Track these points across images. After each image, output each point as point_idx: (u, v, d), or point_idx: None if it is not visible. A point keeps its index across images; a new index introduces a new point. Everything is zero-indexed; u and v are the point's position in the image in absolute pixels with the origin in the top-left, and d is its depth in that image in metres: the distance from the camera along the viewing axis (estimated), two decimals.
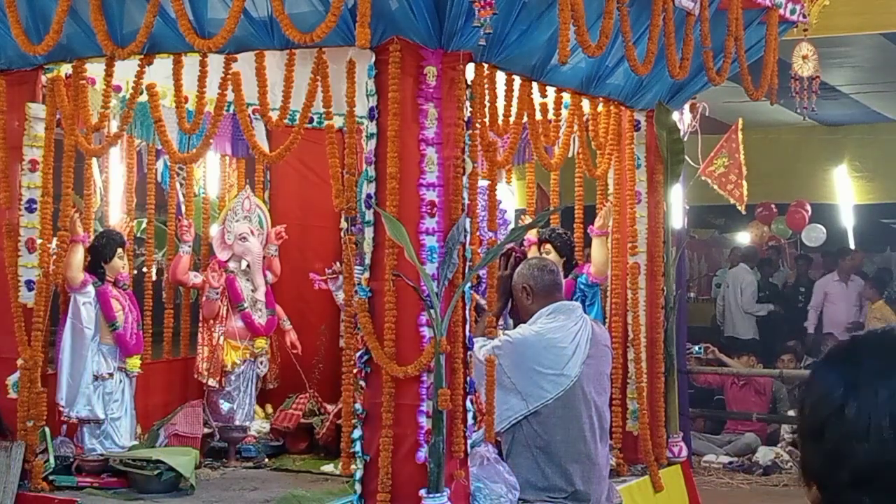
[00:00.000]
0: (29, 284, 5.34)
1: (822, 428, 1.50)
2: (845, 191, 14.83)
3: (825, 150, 14.57)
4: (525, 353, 4.72)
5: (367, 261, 4.49)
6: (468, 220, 4.51)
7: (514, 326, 5.17)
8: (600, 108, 6.00)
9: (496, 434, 4.70)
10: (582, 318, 4.90)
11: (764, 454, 10.10)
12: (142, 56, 4.94)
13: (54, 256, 5.44)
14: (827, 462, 1.50)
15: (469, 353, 4.55)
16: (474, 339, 4.64)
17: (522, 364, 4.71)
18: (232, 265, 6.54)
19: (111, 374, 5.90)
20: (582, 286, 6.24)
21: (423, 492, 4.28)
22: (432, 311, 4.28)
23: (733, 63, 5.68)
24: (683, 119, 6.84)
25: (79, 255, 5.73)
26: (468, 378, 4.53)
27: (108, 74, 5.15)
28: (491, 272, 4.99)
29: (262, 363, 6.59)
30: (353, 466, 4.54)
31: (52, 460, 5.41)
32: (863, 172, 14.70)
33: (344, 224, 6.44)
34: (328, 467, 6.01)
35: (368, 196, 4.46)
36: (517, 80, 5.03)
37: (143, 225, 7.34)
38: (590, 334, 4.82)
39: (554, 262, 5.26)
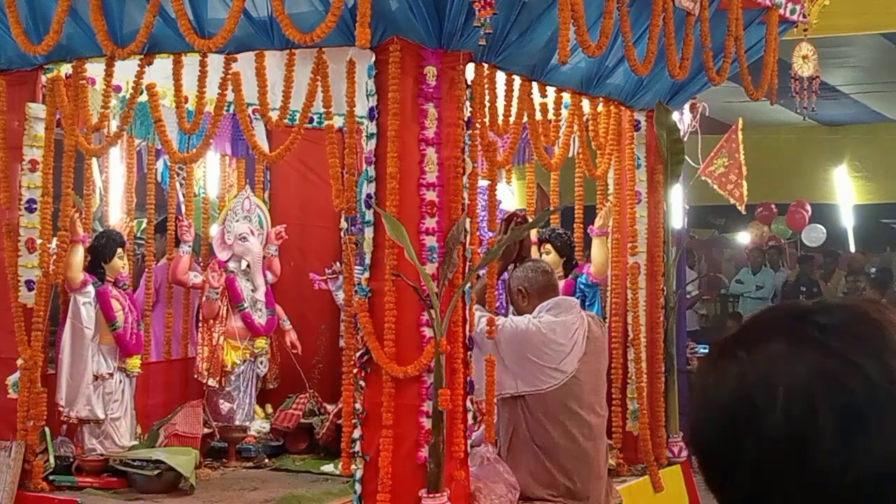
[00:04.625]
0: (29, 284, 5.34)
1: (726, 461, 1.24)
2: (845, 191, 14.85)
3: (825, 150, 14.59)
4: (524, 342, 4.74)
5: (367, 261, 4.49)
6: (468, 220, 4.52)
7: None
8: (600, 108, 6.00)
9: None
10: (580, 314, 4.93)
11: None
12: (142, 56, 4.94)
13: (54, 256, 5.44)
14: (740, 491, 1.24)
15: (469, 353, 4.56)
16: (473, 308, 4.65)
17: (520, 353, 4.73)
18: (232, 265, 6.54)
19: (111, 374, 5.90)
20: (582, 286, 6.25)
21: (423, 492, 4.28)
22: (432, 311, 4.28)
23: (733, 63, 5.68)
24: (683, 119, 6.84)
25: (79, 255, 5.73)
26: (468, 378, 4.54)
27: (108, 74, 5.15)
28: (491, 272, 4.99)
29: (262, 363, 6.59)
30: (353, 466, 4.54)
31: (52, 460, 5.41)
32: (863, 172, 14.71)
33: (344, 224, 6.44)
34: (328, 467, 6.01)
35: (368, 196, 4.46)
36: (517, 80, 5.03)
37: (143, 225, 7.34)
38: (587, 331, 4.84)
39: (548, 264, 5.26)
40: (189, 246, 6.51)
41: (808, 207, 14.73)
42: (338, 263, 6.61)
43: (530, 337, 4.74)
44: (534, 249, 6.21)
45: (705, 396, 1.29)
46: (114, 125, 5.86)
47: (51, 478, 5.37)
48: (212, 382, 6.35)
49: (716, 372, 1.29)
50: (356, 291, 4.61)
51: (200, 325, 6.51)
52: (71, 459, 5.60)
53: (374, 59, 4.48)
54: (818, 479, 1.19)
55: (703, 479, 1.31)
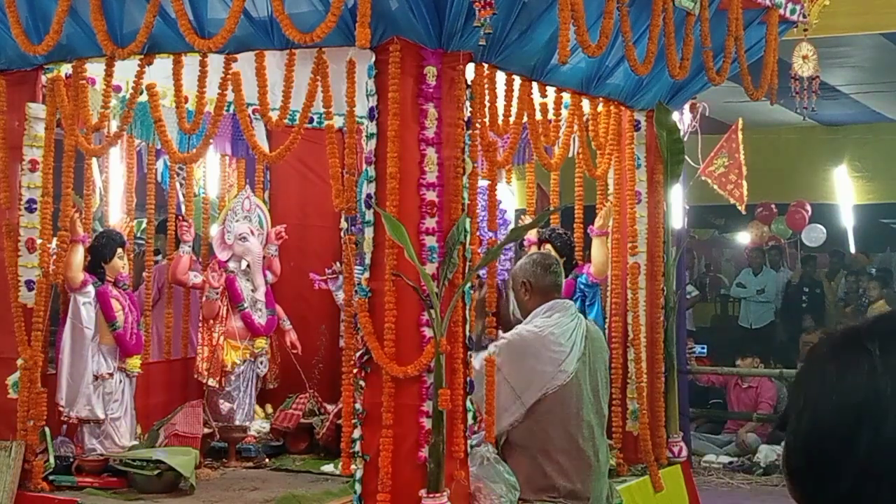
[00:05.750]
0: (29, 284, 5.34)
1: (840, 445, 1.21)
2: (845, 191, 14.84)
3: (825, 150, 14.58)
4: (525, 351, 4.74)
5: (367, 261, 4.49)
6: (468, 220, 4.52)
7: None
8: (600, 108, 6.00)
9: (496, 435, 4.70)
10: (577, 314, 4.93)
11: (764, 454, 10.10)
12: (142, 56, 4.94)
13: (54, 256, 5.44)
14: (835, 496, 1.21)
15: (469, 353, 4.56)
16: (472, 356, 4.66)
17: (522, 364, 4.72)
18: (232, 265, 6.54)
19: (111, 374, 5.90)
20: (582, 286, 6.25)
21: (423, 492, 4.28)
22: (432, 311, 4.28)
23: (733, 63, 5.68)
24: (683, 119, 6.84)
25: (79, 255, 5.73)
26: (468, 378, 4.54)
27: (108, 74, 5.15)
28: (491, 272, 4.99)
29: (262, 363, 6.59)
30: (353, 466, 4.54)
31: (52, 460, 5.41)
32: (863, 172, 14.70)
33: (344, 224, 6.44)
34: (328, 467, 6.01)
35: (368, 196, 4.46)
36: (517, 80, 5.03)
37: (143, 225, 7.34)
38: (584, 331, 4.85)
39: (558, 260, 5.24)
40: (189, 246, 6.51)
41: (808, 207, 14.72)
42: (338, 263, 6.61)
43: (530, 342, 4.75)
44: (533, 249, 6.21)
45: (824, 384, 1.25)
46: (114, 125, 5.86)
47: (51, 478, 5.37)
48: (212, 382, 6.35)
49: (839, 362, 1.25)
50: (356, 291, 4.61)
51: (200, 325, 6.50)
52: (71, 459, 5.60)
53: (374, 59, 4.48)
54: None
55: (791, 465, 1.27)
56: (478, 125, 4.64)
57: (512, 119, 5.03)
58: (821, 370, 1.27)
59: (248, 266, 6.58)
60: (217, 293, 6.42)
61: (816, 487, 1.24)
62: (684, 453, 6.36)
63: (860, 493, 1.19)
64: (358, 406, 4.52)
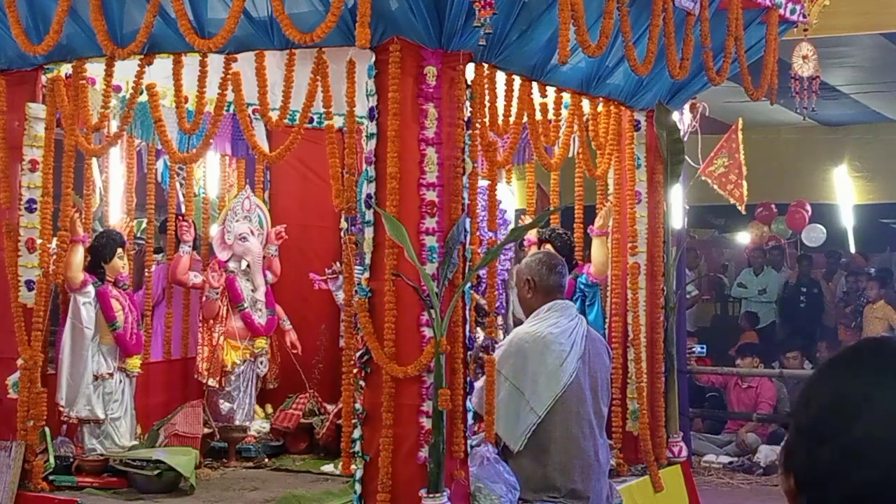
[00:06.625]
0: (29, 284, 5.34)
1: (828, 432, 1.41)
2: (845, 191, 14.84)
3: (825, 150, 14.59)
4: (527, 356, 4.73)
5: (367, 261, 4.49)
6: (468, 220, 4.52)
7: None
8: (600, 108, 6.00)
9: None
10: (577, 315, 4.93)
11: (764, 454, 10.11)
12: (142, 56, 4.95)
13: (54, 256, 5.45)
14: (822, 470, 1.40)
15: (469, 353, 4.56)
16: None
17: (524, 367, 4.71)
18: (232, 265, 6.54)
19: (111, 374, 5.90)
20: (582, 286, 6.25)
21: (423, 492, 4.28)
22: (432, 311, 4.28)
23: (733, 63, 5.68)
24: (683, 119, 6.84)
25: (79, 255, 5.73)
26: (468, 378, 4.54)
27: (108, 74, 5.15)
28: (491, 272, 4.99)
29: (262, 363, 6.59)
30: (353, 466, 4.54)
31: (52, 460, 5.41)
32: (863, 172, 14.72)
33: (344, 224, 6.44)
34: (328, 467, 6.02)
35: (368, 196, 4.46)
36: (517, 80, 5.04)
37: (143, 225, 7.34)
38: (585, 331, 4.85)
39: (563, 261, 5.23)
40: (189, 246, 6.51)
41: (808, 207, 14.72)
42: (338, 263, 6.61)
43: (530, 346, 4.74)
44: (533, 249, 6.21)
45: (821, 388, 1.47)
46: (114, 125, 5.87)
47: (51, 478, 5.37)
48: (212, 382, 6.35)
49: (835, 370, 1.48)
50: (356, 291, 4.61)
51: (200, 325, 6.50)
52: (71, 459, 5.60)
53: (374, 59, 4.48)
54: (867, 489, 1.37)
55: (784, 454, 1.47)
56: (478, 125, 4.64)
57: (512, 119, 5.03)
58: (820, 376, 1.48)
59: (248, 266, 6.58)
60: (217, 293, 6.43)
61: (795, 471, 1.45)
62: (684, 453, 6.36)
63: (836, 481, 1.39)
64: (358, 406, 4.52)
